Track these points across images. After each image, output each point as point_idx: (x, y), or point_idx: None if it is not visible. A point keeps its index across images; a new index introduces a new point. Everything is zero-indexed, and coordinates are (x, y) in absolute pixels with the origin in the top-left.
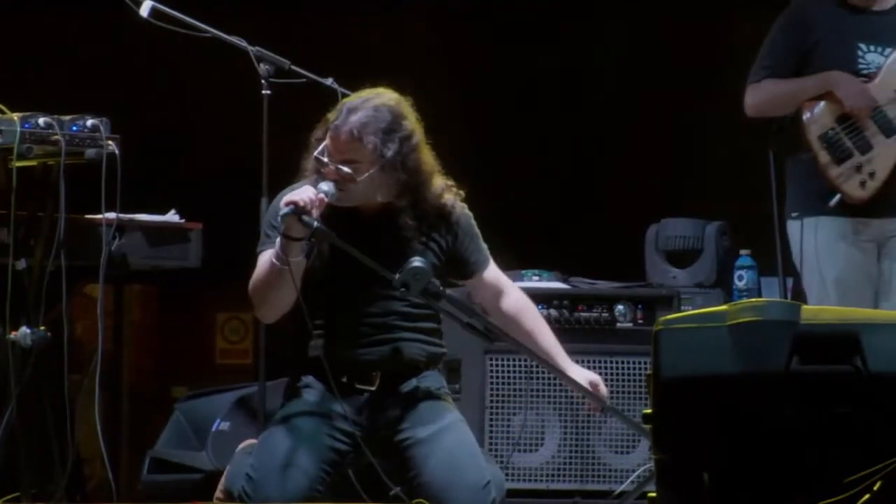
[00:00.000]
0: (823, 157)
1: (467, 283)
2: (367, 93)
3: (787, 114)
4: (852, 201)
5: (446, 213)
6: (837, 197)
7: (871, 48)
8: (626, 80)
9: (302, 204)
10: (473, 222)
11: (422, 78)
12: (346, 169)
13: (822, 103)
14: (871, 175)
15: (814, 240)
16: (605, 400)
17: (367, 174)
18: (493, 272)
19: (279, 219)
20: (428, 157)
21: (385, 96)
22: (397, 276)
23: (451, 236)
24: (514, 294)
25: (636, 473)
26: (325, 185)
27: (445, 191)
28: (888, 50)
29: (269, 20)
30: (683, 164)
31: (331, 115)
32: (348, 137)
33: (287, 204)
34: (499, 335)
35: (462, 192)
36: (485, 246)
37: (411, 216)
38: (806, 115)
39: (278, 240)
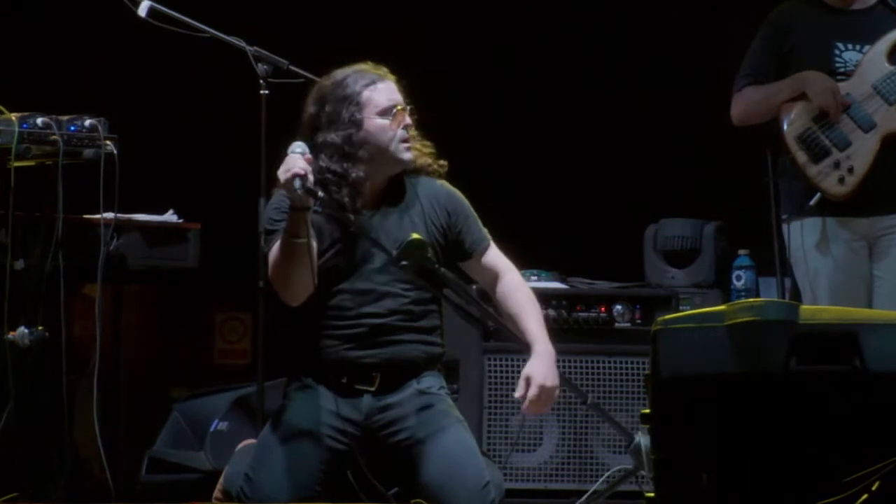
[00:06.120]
0: (801, 156)
1: (466, 265)
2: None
3: (770, 119)
4: (832, 198)
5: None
6: (817, 196)
7: (850, 46)
8: (625, 80)
9: (303, 172)
10: (465, 200)
11: (421, 78)
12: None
13: (800, 104)
14: (850, 170)
15: (801, 241)
16: (532, 394)
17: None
18: (493, 255)
19: (298, 191)
20: None
21: None
22: (394, 252)
23: (445, 214)
24: (508, 276)
25: (609, 472)
26: (299, 147)
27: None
28: (866, 47)
29: (268, 20)
30: (683, 165)
31: (353, 85)
32: (395, 84)
33: (292, 178)
34: (495, 321)
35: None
36: (484, 229)
37: (406, 194)
38: (784, 117)
39: (288, 218)
